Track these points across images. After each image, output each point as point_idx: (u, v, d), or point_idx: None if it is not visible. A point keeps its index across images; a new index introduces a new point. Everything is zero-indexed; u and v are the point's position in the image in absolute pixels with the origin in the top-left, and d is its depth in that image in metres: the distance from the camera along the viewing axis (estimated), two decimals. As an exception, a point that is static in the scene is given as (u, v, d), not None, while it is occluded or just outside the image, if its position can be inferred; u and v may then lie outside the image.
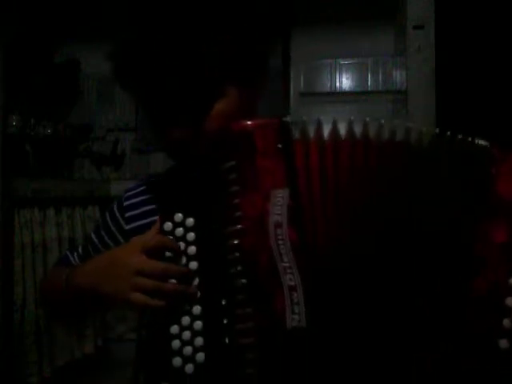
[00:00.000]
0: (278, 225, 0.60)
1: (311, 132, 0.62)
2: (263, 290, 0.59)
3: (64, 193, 2.37)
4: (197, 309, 0.62)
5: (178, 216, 0.65)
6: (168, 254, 0.64)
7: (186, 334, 0.62)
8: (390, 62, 2.57)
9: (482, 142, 0.65)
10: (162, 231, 0.65)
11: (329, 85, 2.74)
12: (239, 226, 0.61)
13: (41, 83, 2.55)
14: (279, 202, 0.60)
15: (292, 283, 0.58)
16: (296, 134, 0.63)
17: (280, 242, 0.60)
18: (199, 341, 0.61)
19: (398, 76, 2.44)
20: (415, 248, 0.61)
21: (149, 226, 0.74)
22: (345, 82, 2.73)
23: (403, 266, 0.60)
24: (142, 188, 0.82)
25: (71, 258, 0.86)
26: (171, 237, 0.64)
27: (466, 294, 0.60)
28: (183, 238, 0.64)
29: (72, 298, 0.73)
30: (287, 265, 0.59)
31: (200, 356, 0.61)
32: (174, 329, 0.62)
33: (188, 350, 0.61)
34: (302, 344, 0.58)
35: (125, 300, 0.64)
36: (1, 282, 2.03)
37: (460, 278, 0.60)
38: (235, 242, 0.61)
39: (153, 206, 0.78)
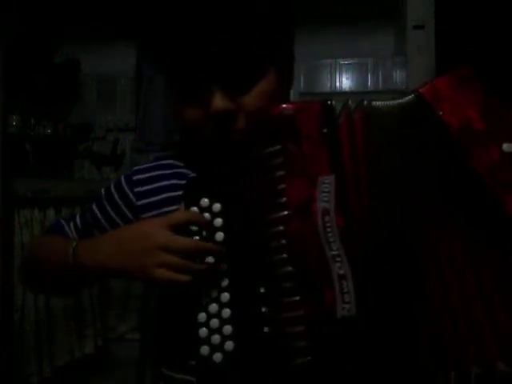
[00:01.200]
0: (326, 212, 0.59)
1: (355, 115, 0.61)
2: (312, 278, 0.58)
3: (64, 193, 2.37)
4: (225, 296, 0.61)
5: (204, 201, 0.64)
6: (194, 228, 0.63)
7: (215, 322, 0.61)
8: (389, 61, 2.57)
9: (411, 95, 0.63)
10: None
11: (329, 85, 2.74)
12: (285, 212, 0.60)
13: (41, 83, 2.55)
14: (326, 188, 0.59)
15: (341, 272, 0.58)
16: (340, 118, 0.62)
17: (328, 229, 0.59)
18: (228, 329, 0.60)
19: (398, 76, 2.44)
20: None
21: (161, 203, 0.74)
22: (345, 81, 2.73)
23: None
24: (152, 164, 0.80)
25: (67, 229, 0.82)
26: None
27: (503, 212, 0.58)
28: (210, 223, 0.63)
29: (78, 273, 0.69)
30: (336, 253, 0.58)
31: (229, 345, 0.60)
32: (202, 316, 0.61)
33: (216, 338, 0.60)
34: (352, 333, 0.57)
35: (149, 276, 0.62)
36: (1, 282, 2.04)
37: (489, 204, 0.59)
38: (280, 228, 0.60)
39: (164, 183, 0.76)
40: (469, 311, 0.58)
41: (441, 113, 0.61)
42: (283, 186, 0.60)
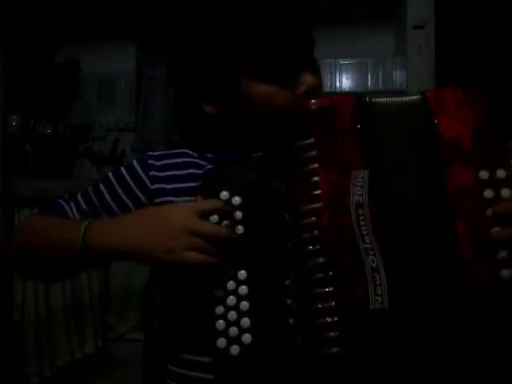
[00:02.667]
0: (359, 205, 0.60)
1: (386, 111, 0.63)
2: (345, 270, 0.59)
3: (64, 193, 2.35)
4: (243, 289, 0.61)
5: (224, 194, 0.64)
6: (215, 219, 0.64)
7: (232, 315, 0.61)
8: (389, 61, 2.56)
9: (414, 97, 0.65)
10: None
11: (329, 85, 2.73)
12: (319, 204, 0.60)
13: (41, 83, 2.55)
14: (360, 182, 0.60)
15: (374, 265, 0.58)
16: (373, 112, 0.63)
17: (361, 222, 0.59)
18: (246, 322, 0.60)
19: (398, 76, 2.44)
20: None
21: (177, 191, 0.74)
22: (345, 81, 2.72)
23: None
24: (166, 152, 0.80)
25: (67, 209, 0.80)
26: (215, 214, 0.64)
27: (454, 235, 0.60)
28: (229, 216, 0.64)
29: (87, 255, 0.68)
30: (369, 246, 0.59)
31: (247, 337, 0.60)
32: (219, 309, 0.61)
33: (234, 330, 0.61)
34: (384, 325, 0.58)
35: (176, 258, 0.62)
36: (1, 282, 2.03)
37: (445, 223, 0.61)
38: (313, 219, 0.60)
39: (181, 172, 0.76)
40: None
41: (436, 121, 0.62)
42: (317, 178, 0.61)
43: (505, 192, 0.60)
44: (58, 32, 2.70)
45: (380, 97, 0.65)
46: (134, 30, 2.64)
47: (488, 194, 0.60)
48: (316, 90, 0.73)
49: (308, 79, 0.72)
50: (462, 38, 1.81)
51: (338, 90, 2.71)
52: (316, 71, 0.75)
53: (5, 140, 2.12)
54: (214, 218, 0.64)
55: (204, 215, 0.64)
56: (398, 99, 0.65)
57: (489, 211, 0.60)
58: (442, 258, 0.60)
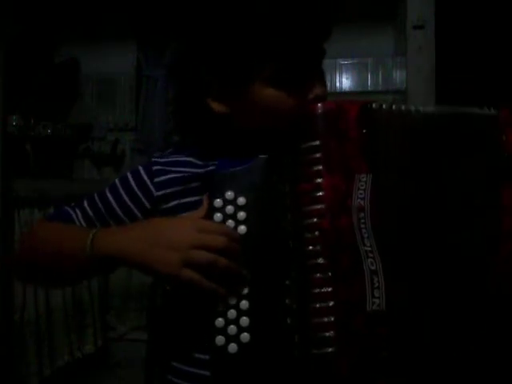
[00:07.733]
0: (361, 209, 0.60)
1: (393, 117, 0.64)
2: (344, 271, 0.59)
3: (64, 193, 2.37)
4: (244, 290, 0.62)
5: (229, 194, 0.65)
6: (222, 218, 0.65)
7: (232, 313, 0.62)
8: (390, 61, 2.56)
9: (487, 112, 0.67)
10: (211, 208, 0.66)
11: (329, 85, 2.73)
12: (321, 206, 0.61)
13: (41, 83, 2.55)
14: (362, 186, 0.61)
15: (373, 267, 0.59)
16: (379, 118, 0.64)
17: (362, 225, 0.60)
18: (245, 321, 0.61)
19: (398, 76, 2.44)
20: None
21: (181, 193, 0.75)
22: (345, 81, 2.72)
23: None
24: (170, 160, 0.79)
25: (74, 216, 0.80)
26: (219, 214, 0.65)
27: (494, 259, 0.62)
28: (233, 216, 0.65)
29: (94, 262, 0.69)
30: (369, 249, 0.59)
31: (245, 336, 0.61)
32: (219, 308, 0.62)
33: (232, 329, 0.61)
34: (381, 327, 0.58)
35: (173, 273, 0.63)
36: (1, 282, 2.03)
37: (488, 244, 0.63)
38: (314, 220, 0.61)
39: (184, 174, 0.76)
40: None
41: (504, 138, 0.66)
42: (320, 180, 0.61)
43: None
44: (58, 32, 2.70)
45: (380, 101, 0.66)
46: (134, 30, 2.65)
47: None
48: (325, 96, 0.74)
49: (317, 90, 0.73)
50: (462, 37, 1.81)
51: (337, 90, 2.71)
52: (323, 83, 0.76)
53: (5, 140, 2.12)
54: (218, 216, 0.65)
55: (205, 232, 0.65)
56: (397, 108, 0.65)
57: None
58: (443, 263, 0.61)
